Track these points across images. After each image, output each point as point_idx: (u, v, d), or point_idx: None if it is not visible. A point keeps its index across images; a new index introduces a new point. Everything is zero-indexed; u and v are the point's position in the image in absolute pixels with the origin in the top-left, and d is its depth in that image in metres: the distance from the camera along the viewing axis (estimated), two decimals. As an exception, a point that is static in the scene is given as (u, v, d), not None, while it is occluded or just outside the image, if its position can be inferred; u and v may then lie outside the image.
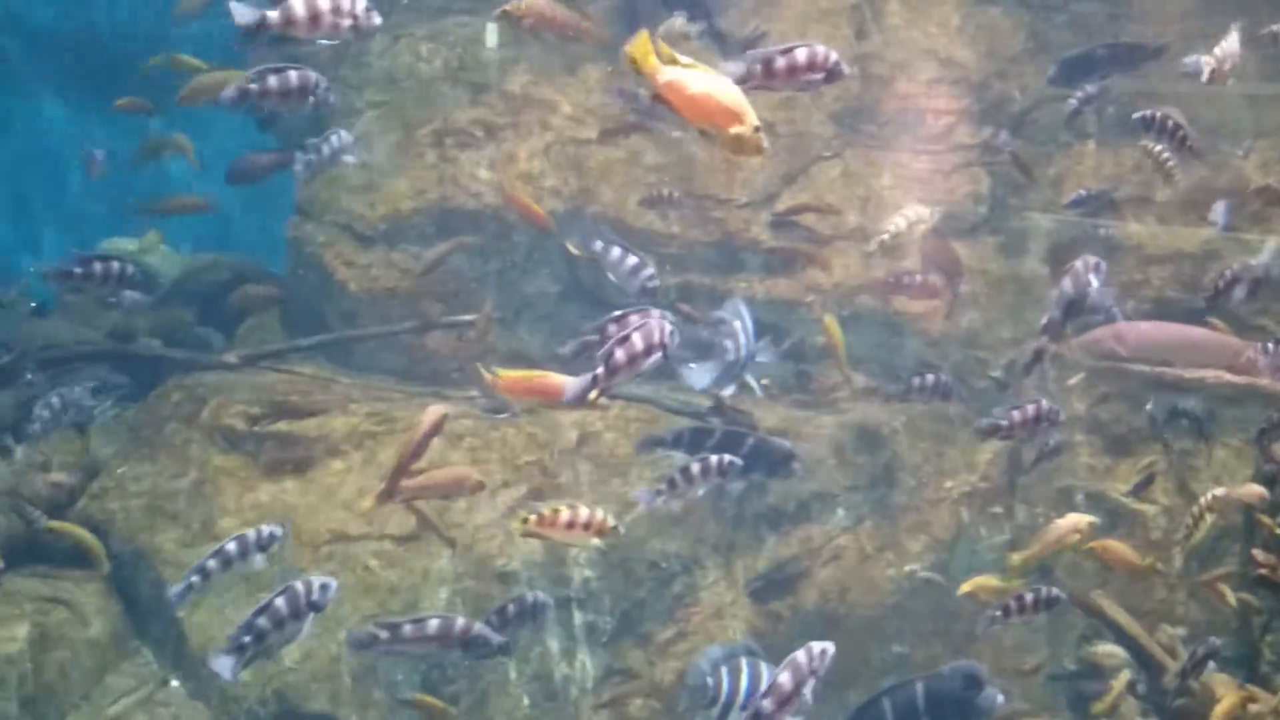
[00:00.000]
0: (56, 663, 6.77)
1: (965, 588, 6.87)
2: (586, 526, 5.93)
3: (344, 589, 7.27)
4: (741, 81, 4.65)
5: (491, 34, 9.15)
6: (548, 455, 7.99)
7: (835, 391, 8.76)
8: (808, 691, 5.02)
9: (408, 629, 5.90)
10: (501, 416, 8.07)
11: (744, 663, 6.55)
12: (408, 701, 6.93)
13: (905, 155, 8.95)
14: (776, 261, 8.88)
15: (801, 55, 4.80)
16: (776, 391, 8.65)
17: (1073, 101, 7.79)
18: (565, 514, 5.92)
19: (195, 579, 5.68)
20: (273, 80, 6.14)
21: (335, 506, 7.54)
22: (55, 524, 7.20)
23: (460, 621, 5.97)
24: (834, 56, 4.87)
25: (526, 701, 7.45)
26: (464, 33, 9.21)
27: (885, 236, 7.87)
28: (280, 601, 5.32)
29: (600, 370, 5.11)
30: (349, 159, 7.69)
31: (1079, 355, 7.19)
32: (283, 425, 8.01)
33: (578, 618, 7.60)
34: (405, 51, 9.22)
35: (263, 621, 5.29)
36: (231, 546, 5.71)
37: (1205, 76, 6.36)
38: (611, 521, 5.97)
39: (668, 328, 5.23)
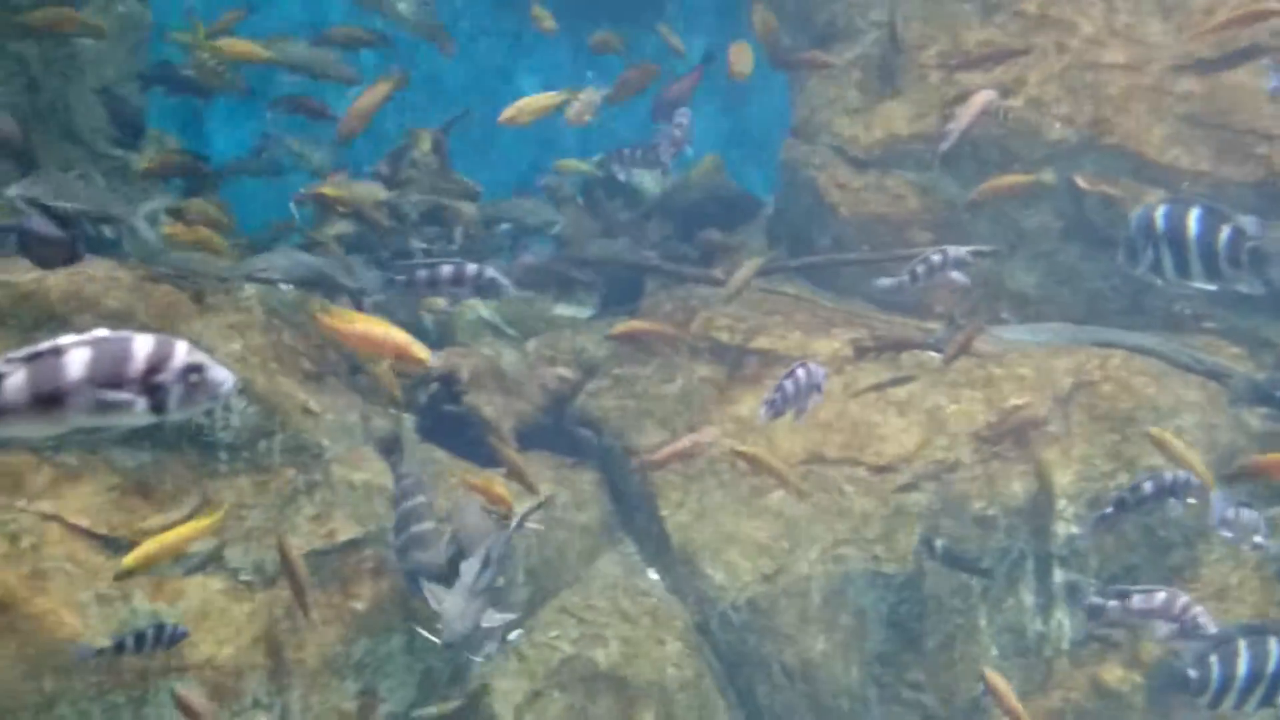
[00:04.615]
0: (556, 541, 7.26)
1: None
2: None
3: (818, 510, 7.36)
4: None
5: None
6: (1037, 401, 7.52)
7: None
8: None
9: (1136, 600, 6.12)
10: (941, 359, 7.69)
11: (1242, 645, 5.85)
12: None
13: None
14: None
15: None
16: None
17: None
18: None
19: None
20: None
21: (812, 428, 7.49)
22: None
23: (1182, 598, 6.06)
24: None
25: (995, 652, 7.13)
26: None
27: None
28: (801, 371, 6.20)
29: None
30: None
31: None
32: (764, 342, 8.09)
33: (1058, 575, 7.14)
34: (913, -32, 8.89)
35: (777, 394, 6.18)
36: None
37: None
38: None
39: None
